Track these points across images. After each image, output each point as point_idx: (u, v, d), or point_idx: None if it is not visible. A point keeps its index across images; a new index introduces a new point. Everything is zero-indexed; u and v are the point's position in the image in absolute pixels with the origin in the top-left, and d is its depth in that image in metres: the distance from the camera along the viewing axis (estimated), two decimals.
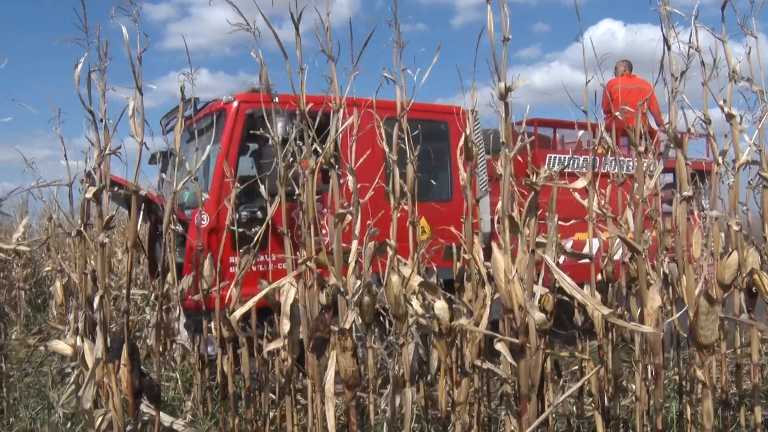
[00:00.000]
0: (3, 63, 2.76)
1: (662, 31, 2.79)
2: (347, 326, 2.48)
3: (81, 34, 2.68)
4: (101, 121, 2.84)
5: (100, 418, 3.16)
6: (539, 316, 2.53)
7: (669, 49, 2.76)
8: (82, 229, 3.68)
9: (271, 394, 3.94)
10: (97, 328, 3.10)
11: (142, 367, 2.91)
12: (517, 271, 2.55)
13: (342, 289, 2.54)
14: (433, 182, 6.26)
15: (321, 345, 2.67)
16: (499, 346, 3.33)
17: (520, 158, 3.66)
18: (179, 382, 4.83)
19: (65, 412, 4.04)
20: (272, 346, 3.05)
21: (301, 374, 4.00)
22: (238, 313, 2.81)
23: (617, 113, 4.03)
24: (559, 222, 3.18)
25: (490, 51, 2.51)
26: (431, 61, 3.46)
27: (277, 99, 5.81)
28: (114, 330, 2.98)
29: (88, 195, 2.87)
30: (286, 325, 2.83)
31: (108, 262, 2.91)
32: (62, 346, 4.14)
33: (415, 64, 3.45)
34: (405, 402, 3.21)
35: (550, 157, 7.70)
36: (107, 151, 2.85)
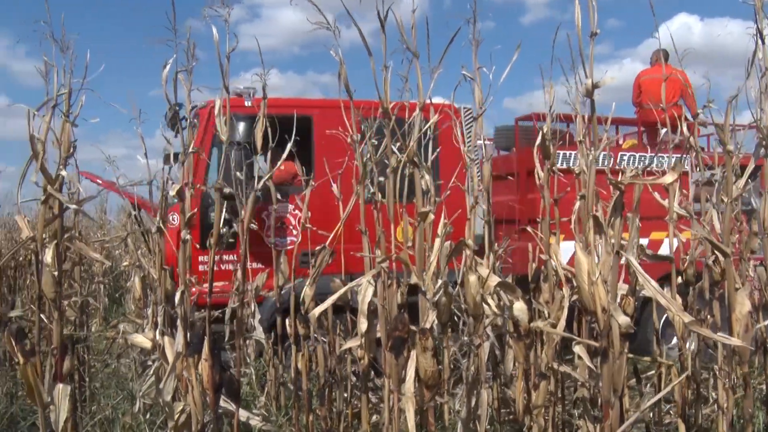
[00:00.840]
0: (100, 68, 2.83)
1: (756, 24, 2.68)
2: (427, 326, 2.46)
3: (169, 35, 2.75)
4: (186, 119, 2.90)
5: (179, 411, 3.24)
6: (624, 319, 2.46)
7: (764, 42, 2.65)
8: (161, 225, 3.77)
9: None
10: (178, 322, 3.17)
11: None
12: (600, 273, 2.48)
13: (423, 289, 2.52)
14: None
15: (399, 344, 2.66)
16: (577, 349, 3.26)
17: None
18: (253, 377, 4.90)
19: (145, 402, 4.15)
20: (349, 344, 3.06)
21: (374, 373, 4.01)
22: (318, 310, 2.83)
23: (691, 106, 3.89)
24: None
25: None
26: (502, 59, 3.42)
27: (250, 103, 6.10)
28: (195, 325, 3.04)
29: (172, 192, 2.94)
30: (363, 324, 2.83)
31: (189, 258, 2.96)
32: (141, 339, 4.25)
33: (490, 61, 3.41)
34: (480, 403, 3.18)
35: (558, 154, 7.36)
36: (191, 149, 2.91)
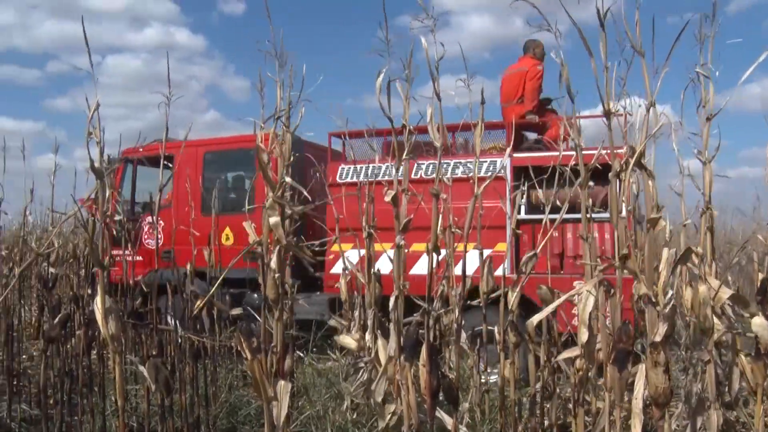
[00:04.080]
0: (319, 79, 2.95)
1: None
2: (658, 339, 2.30)
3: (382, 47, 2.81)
4: (403, 126, 2.94)
5: (390, 412, 3.28)
6: None
7: None
8: (371, 230, 3.87)
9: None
10: (391, 326, 3.21)
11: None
12: None
13: (653, 299, 2.36)
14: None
15: (624, 357, 2.51)
16: None
17: None
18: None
19: (354, 402, 4.28)
20: (566, 354, 2.94)
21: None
22: (536, 319, 2.74)
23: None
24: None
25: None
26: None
27: (141, 149, 7.57)
28: (408, 329, 3.07)
29: (387, 198, 2.98)
30: (583, 334, 2.70)
31: (404, 262, 2.99)
32: (348, 341, 4.39)
33: (699, 56, 3.15)
34: (709, 425, 2.95)
35: (342, 168, 7.90)
36: (405, 155, 2.95)
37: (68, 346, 4.97)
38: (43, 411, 4.48)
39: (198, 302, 4.55)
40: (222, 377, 5.73)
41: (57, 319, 4.36)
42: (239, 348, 3.12)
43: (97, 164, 3.07)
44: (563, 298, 2.75)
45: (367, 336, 3.96)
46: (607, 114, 2.46)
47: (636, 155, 2.31)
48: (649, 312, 2.37)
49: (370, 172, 7.17)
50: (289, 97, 3.13)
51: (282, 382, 3.12)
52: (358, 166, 7.48)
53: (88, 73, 2.88)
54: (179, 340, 4.55)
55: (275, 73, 2.91)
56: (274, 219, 2.94)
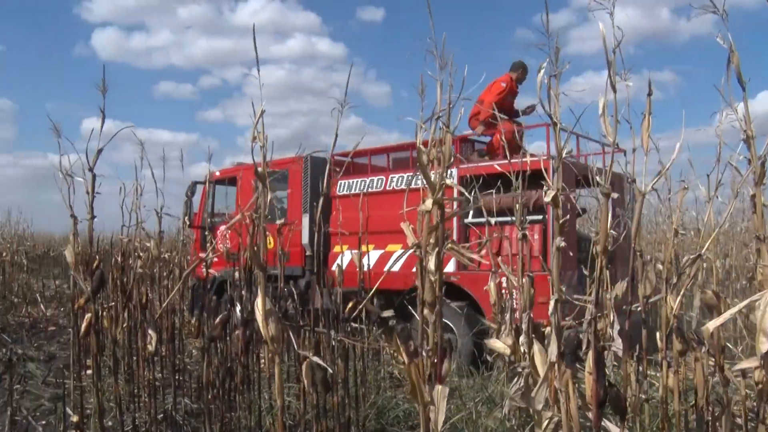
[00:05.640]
0: (481, 78, 2.93)
1: None
2: None
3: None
4: (555, 124, 2.85)
5: (548, 419, 3.19)
6: None
7: None
8: (525, 233, 3.79)
9: None
10: (551, 331, 3.12)
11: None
12: None
13: None
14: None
15: None
16: None
17: None
18: None
19: (511, 407, 4.20)
20: (745, 365, 2.74)
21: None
22: (712, 325, 2.56)
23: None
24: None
25: None
26: None
27: (218, 173, 11.18)
28: (569, 334, 2.97)
29: (548, 199, 2.90)
30: (763, 344, 2.50)
31: (558, 266, 2.90)
32: (499, 345, 4.32)
33: None
34: None
35: (340, 183, 9.27)
36: (564, 154, 2.86)
37: (226, 345, 5.22)
38: (204, 406, 4.73)
39: (350, 304, 4.64)
40: (370, 378, 5.82)
41: (218, 320, 4.57)
42: (395, 351, 3.14)
43: (260, 169, 3.18)
44: (741, 305, 2.56)
45: (521, 340, 3.88)
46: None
47: None
48: None
49: (364, 186, 8.97)
50: (449, 98, 3.11)
51: (439, 387, 3.09)
52: (351, 181, 9.19)
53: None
54: (333, 342, 4.65)
55: (429, 73, 2.89)
56: (426, 219, 2.93)
